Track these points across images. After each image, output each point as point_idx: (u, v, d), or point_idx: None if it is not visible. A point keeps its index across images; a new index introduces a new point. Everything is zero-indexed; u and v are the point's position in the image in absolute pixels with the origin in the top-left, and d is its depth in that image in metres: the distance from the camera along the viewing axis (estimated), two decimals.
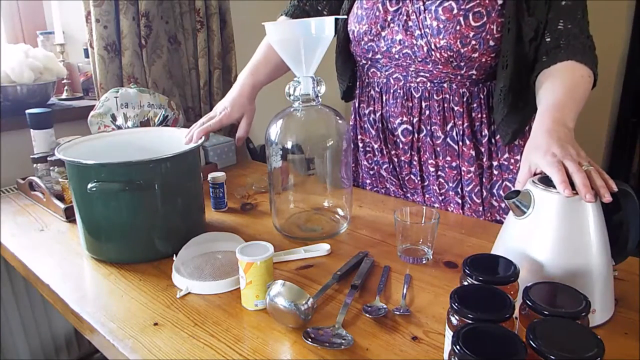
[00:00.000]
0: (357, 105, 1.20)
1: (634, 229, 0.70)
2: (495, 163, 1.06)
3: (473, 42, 0.94)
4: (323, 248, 0.92)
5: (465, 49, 0.94)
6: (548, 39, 0.93)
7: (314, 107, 0.95)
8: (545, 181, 0.69)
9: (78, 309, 0.77)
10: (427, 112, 1.05)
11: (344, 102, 1.27)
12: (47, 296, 0.87)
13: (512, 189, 1.04)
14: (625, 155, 2.59)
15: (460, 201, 1.09)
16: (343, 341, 0.66)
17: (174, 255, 0.88)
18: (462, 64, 0.97)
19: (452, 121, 1.04)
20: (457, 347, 0.47)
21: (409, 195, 1.18)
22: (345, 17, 1.11)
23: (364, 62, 1.11)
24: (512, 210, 0.70)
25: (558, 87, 0.86)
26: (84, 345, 1.64)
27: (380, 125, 1.12)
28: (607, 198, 0.65)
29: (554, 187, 0.67)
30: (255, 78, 1.18)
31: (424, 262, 0.87)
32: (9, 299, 1.45)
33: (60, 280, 0.86)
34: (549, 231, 0.66)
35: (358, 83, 1.19)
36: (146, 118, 1.38)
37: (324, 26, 0.90)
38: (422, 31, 0.97)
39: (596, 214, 0.66)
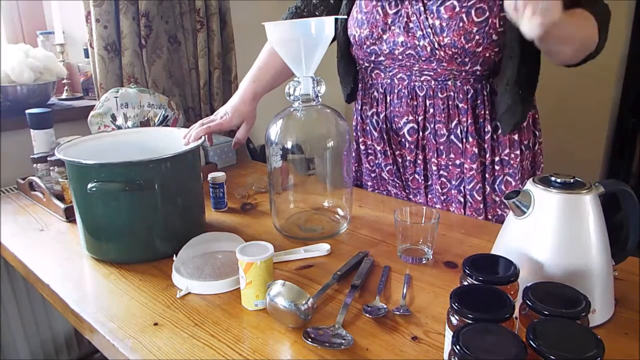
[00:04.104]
0: (359, 107, 1.20)
1: (634, 229, 0.70)
2: (497, 158, 1.06)
3: (477, 37, 0.94)
4: (323, 248, 0.92)
5: (470, 44, 0.95)
6: None
7: (314, 107, 0.95)
8: (545, 181, 0.69)
9: (78, 309, 0.77)
10: (432, 110, 1.05)
11: (346, 103, 1.27)
12: (47, 296, 0.87)
13: (513, 183, 1.05)
14: (625, 155, 2.58)
15: (462, 200, 1.09)
16: (343, 341, 0.66)
17: (174, 255, 0.88)
18: (467, 59, 0.98)
19: (457, 118, 1.04)
20: (457, 347, 0.47)
21: (411, 196, 1.18)
22: (345, 17, 1.11)
23: (366, 64, 1.11)
24: (512, 210, 0.70)
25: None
26: (84, 345, 1.64)
27: (384, 126, 1.12)
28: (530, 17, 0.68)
29: (554, 187, 0.67)
30: (257, 85, 1.19)
31: (424, 262, 0.87)
32: (9, 299, 1.45)
33: (60, 280, 0.86)
34: (549, 231, 0.66)
35: (360, 85, 1.19)
36: (146, 118, 1.38)
37: (324, 26, 0.90)
38: (424, 31, 0.97)
39: (596, 214, 0.66)
